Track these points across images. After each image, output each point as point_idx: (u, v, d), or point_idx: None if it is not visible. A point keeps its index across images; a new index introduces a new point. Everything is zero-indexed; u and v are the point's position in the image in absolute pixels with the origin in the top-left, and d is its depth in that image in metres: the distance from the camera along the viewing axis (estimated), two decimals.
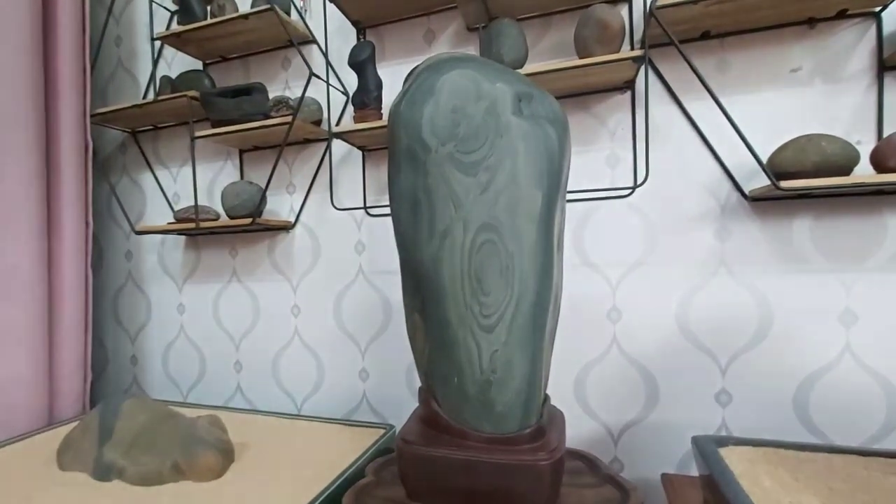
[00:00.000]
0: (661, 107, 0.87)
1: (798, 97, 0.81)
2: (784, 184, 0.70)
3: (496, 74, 0.52)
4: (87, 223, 1.18)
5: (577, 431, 0.93)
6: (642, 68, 0.82)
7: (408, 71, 1.00)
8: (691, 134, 0.86)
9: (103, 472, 0.76)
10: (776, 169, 0.73)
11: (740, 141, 0.81)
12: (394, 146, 0.56)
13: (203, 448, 0.75)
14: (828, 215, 0.79)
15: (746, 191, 0.83)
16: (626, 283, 0.90)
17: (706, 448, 0.69)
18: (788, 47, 0.81)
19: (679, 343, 0.87)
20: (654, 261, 0.88)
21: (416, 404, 1.05)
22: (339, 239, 1.11)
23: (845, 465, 0.64)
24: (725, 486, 0.60)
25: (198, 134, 1.06)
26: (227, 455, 0.78)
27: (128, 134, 1.32)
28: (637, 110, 0.88)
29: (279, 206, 1.17)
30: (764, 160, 0.74)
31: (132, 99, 1.31)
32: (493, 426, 0.54)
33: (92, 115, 1.18)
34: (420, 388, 0.62)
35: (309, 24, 1.09)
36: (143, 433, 0.80)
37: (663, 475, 0.80)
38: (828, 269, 0.79)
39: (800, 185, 0.69)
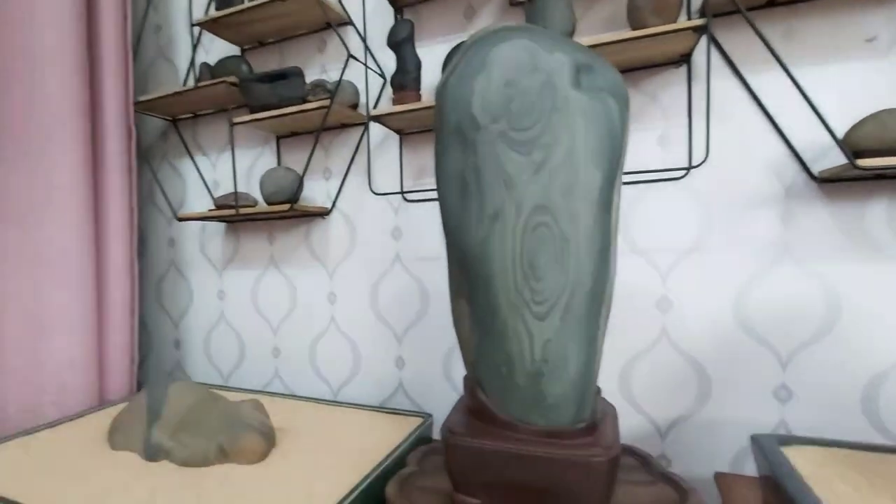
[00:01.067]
0: (720, 81, 0.81)
1: (873, 69, 0.74)
2: (862, 162, 0.64)
3: (554, 44, 0.49)
4: (131, 210, 1.20)
5: (621, 425, 0.89)
6: (701, 40, 0.76)
7: (447, 50, 0.97)
8: (753, 110, 0.80)
9: (152, 453, 0.78)
10: (853, 146, 0.66)
11: (807, 117, 0.75)
12: (440, 124, 0.53)
13: (247, 431, 0.76)
14: None
15: (815, 171, 0.76)
16: (677, 272, 0.85)
17: (768, 447, 0.65)
18: (863, 15, 0.74)
19: (735, 335, 0.82)
20: (710, 247, 0.83)
21: (453, 393, 1.04)
22: (375, 225, 1.10)
23: None
24: (794, 489, 0.56)
25: (236, 120, 1.06)
26: (269, 439, 0.79)
27: (168, 122, 1.34)
28: (694, 85, 0.82)
29: (315, 192, 1.16)
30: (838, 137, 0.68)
31: (172, 86, 1.32)
32: (544, 419, 0.51)
33: (135, 104, 1.20)
34: (465, 378, 0.60)
35: (345, 5, 1.07)
36: (189, 415, 0.82)
37: (717, 474, 0.76)
38: None
39: (880, 163, 0.62)
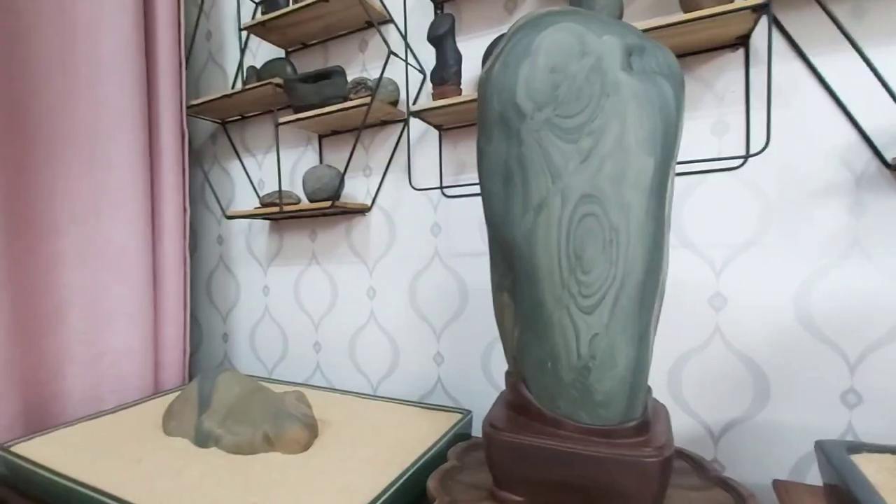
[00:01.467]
0: (781, 65, 0.76)
1: None
2: None
3: (603, 27, 0.47)
4: (184, 209, 1.26)
5: None
6: (761, 21, 0.72)
7: (487, 44, 0.96)
8: (818, 94, 0.74)
9: (202, 439, 0.81)
10: None
11: (880, 101, 0.69)
12: (484, 114, 0.52)
13: (291, 422, 0.77)
14: None
15: (888, 158, 0.70)
16: (732, 267, 0.80)
17: (835, 455, 0.60)
18: None
19: (797, 334, 0.77)
20: (769, 241, 0.78)
21: (492, 390, 1.03)
22: (414, 221, 1.10)
23: None
24: (865, 499, 0.51)
25: (281, 120, 1.09)
26: (312, 430, 0.80)
27: (218, 124, 1.40)
28: (752, 70, 0.77)
29: (356, 189, 1.18)
30: None
31: (222, 90, 1.38)
32: (592, 416, 0.49)
33: (187, 107, 1.26)
34: (507, 372, 0.59)
35: (386, 3, 1.08)
36: (237, 405, 0.84)
37: (775, 482, 0.72)
38: None
39: None
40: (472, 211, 1.03)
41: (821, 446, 0.63)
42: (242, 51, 1.23)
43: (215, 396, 0.86)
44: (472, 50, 0.99)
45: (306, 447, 0.78)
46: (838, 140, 0.73)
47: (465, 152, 1.03)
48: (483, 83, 0.52)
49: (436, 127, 1.04)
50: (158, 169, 1.21)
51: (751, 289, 0.79)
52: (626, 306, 0.47)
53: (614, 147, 0.46)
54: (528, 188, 0.50)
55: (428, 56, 1.04)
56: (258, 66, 1.31)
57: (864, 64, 0.70)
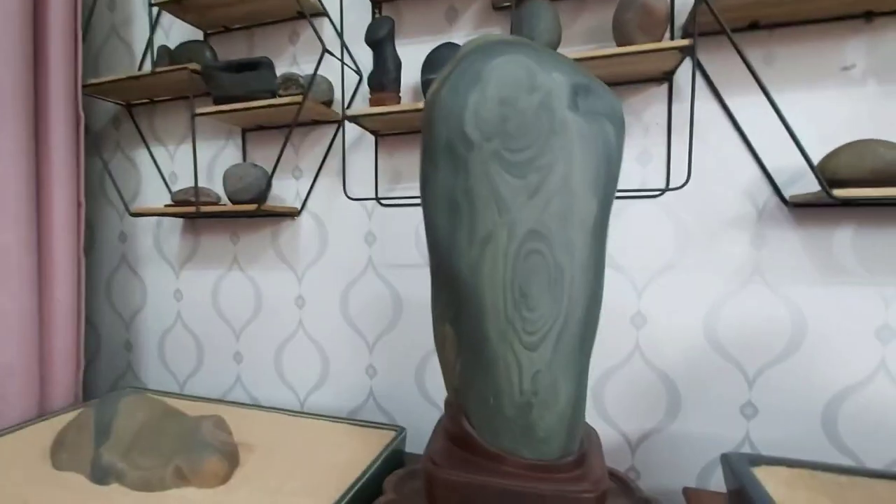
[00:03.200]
0: (699, 102, 0.81)
1: (848, 97, 0.76)
2: (838, 192, 0.65)
3: (552, 63, 0.46)
4: (79, 203, 1.10)
5: None
6: (685, 59, 0.76)
7: (426, 51, 0.93)
8: (730, 132, 0.81)
9: (101, 475, 0.71)
10: (828, 175, 0.68)
11: (782, 142, 0.77)
12: (430, 139, 0.50)
13: (208, 453, 0.71)
14: (872, 225, 0.75)
15: (787, 196, 0.78)
16: (652, 288, 0.86)
17: (739, 468, 0.66)
18: (841, 42, 0.76)
19: (705, 352, 0.84)
20: (684, 266, 0.84)
21: (425, 402, 1.02)
22: (347, 229, 1.05)
23: (889, 492, 0.61)
24: None
25: (199, 111, 0.99)
26: (232, 459, 0.74)
27: (122, 107, 1.24)
28: (674, 105, 0.82)
29: (284, 190, 1.11)
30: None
31: (126, 69, 1.23)
32: (533, 451, 0.50)
33: (84, 86, 1.10)
34: (448, 403, 0.58)
35: None
36: (142, 433, 0.76)
37: (685, 489, 0.78)
38: (868, 282, 0.76)
39: (856, 194, 0.64)
40: (408, 220, 1.00)
41: (726, 459, 0.69)
42: (153, 28, 1.09)
43: (116, 423, 0.77)
44: (409, 55, 0.96)
45: (225, 480, 0.71)
46: (745, 176, 0.80)
47: (402, 160, 1.00)
48: (430, 107, 0.50)
49: (372, 132, 1.00)
50: (47, 158, 1.05)
51: (667, 309, 0.85)
52: (568, 343, 0.48)
53: (561, 186, 0.46)
54: (474, 220, 0.49)
55: (365, 54, 1.00)
56: (171, 45, 1.18)
57: (770, 106, 0.77)
